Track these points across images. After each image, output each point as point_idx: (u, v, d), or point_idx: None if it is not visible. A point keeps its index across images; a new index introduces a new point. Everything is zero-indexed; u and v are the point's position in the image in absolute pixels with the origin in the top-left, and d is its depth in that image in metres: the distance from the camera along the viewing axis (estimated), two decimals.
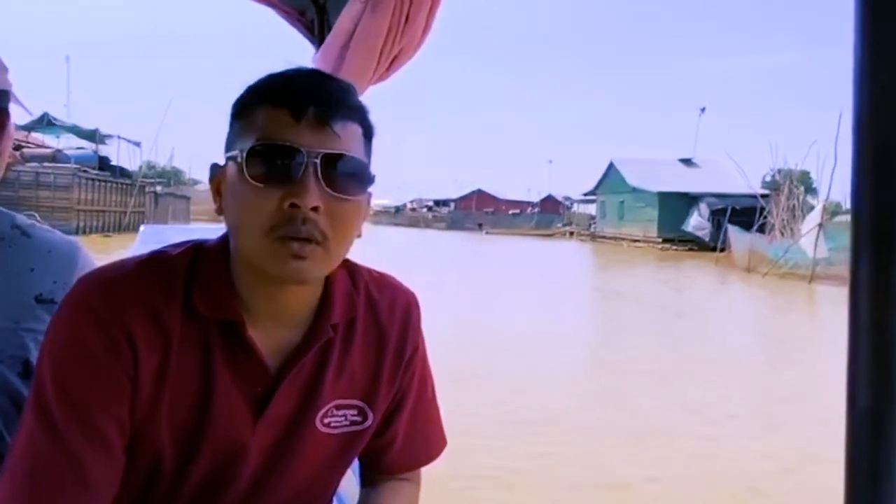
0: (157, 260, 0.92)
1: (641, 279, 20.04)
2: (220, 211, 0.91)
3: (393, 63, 1.90)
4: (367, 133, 0.91)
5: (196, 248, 0.94)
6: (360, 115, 0.90)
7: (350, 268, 1.01)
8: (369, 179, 0.90)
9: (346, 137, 0.86)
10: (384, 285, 1.05)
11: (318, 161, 0.83)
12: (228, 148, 0.89)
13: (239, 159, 0.85)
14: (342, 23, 1.85)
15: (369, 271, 1.05)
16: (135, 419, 0.87)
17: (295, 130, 0.84)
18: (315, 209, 0.83)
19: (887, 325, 0.57)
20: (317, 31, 2.27)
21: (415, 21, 1.80)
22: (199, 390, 0.89)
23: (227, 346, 0.90)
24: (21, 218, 1.20)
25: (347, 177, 0.86)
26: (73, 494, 0.83)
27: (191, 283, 0.90)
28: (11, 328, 1.11)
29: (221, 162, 0.91)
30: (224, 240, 0.93)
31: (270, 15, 2.34)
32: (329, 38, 1.97)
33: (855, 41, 0.58)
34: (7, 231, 1.16)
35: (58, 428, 0.83)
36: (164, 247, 0.95)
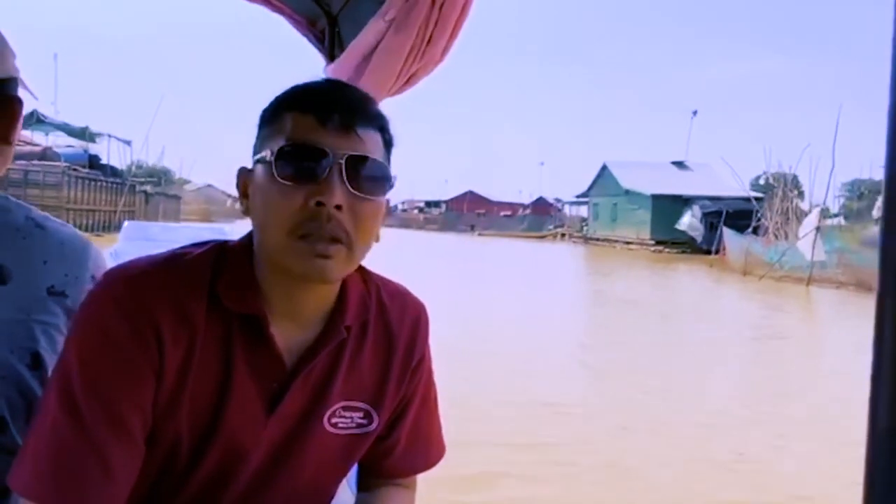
0: (181, 256, 0.95)
1: (648, 286, 19.82)
2: (246, 212, 0.95)
3: (410, 80, 1.95)
4: (388, 142, 0.96)
5: (220, 246, 0.97)
6: (381, 124, 0.94)
7: (363, 272, 1.04)
8: (390, 181, 0.94)
9: (368, 142, 0.91)
10: (395, 293, 1.08)
11: (343, 162, 0.87)
12: (257, 152, 0.93)
13: (268, 159, 0.88)
14: (364, 38, 1.91)
15: (381, 278, 1.08)
16: (156, 410, 0.90)
17: (321, 133, 0.88)
18: (338, 208, 0.87)
19: None
20: (327, 41, 2.32)
21: (437, 42, 1.85)
22: (219, 383, 0.92)
23: (247, 341, 0.93)
24: (36, 211, 1.21)
25: (370, 178, 0.90)
26: (95, 482, 0.85)
27: (215, 278, 0.93)
28: (23, 319, 1.12)
29: (247, 166, 0.95)
30: (247, 238, 0.97)
31: (274, 19, 2.33)
32: (347, 52, 2.02)
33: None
34: (22, 223, 1.17)
35: (83, 417, 0.85)
36: (187, 245, 0.98)
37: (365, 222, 0.90)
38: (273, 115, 0.92)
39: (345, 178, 0.87)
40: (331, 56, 2.25)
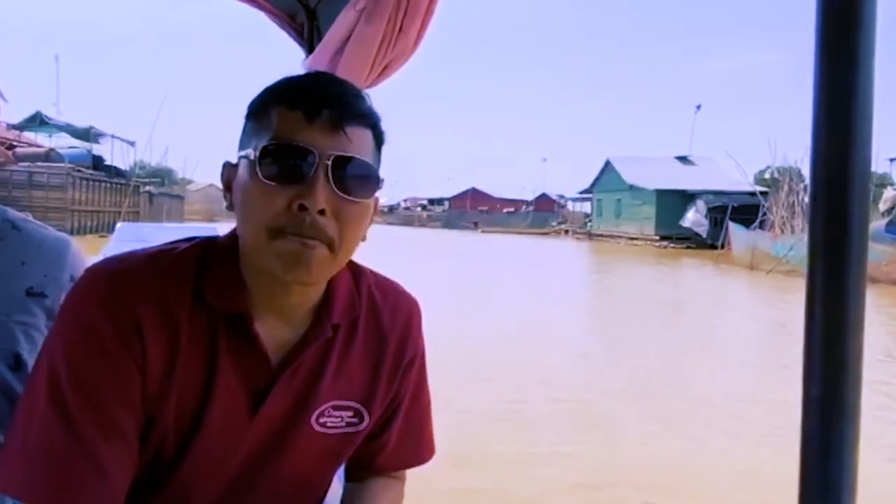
0: (166, 253, 0.93)
1: (662, 283, 19.36)
2: (230, 207, 0.92)
3: (384, 70, 1.96)
4: (378, 140, 0.93)
5: (206, 243, 0.95)
6: (371, 122, 0.91)
7: (354, 270, 1.02)
8: (378, 183, 0.90)
9: (357, 141, 0.87)
10: (388, 290, 1.06)
11: (329, 163, 0.84)
12: (242, 147, 0.90)
13: (252, 157, 0.85)
14: (336, 30, 1.90)
15: (374, 275, 1.06)
16: (145, 406, 0.88)
17: (308, 132, 0.85)
18: (322, 212, 0.84)
19: (839, 327, 0.65)
20: (307, 35, 2.32)
21: (408, 31, 1.85)
22: (203, 382, 0.90)
23: (232, 339, 0.91)
24: (12, 212, 1.20)
25: (356, 179, 0.87)
26: (90, 484, 0.84)
27: (201, 275, 0.91)
28: (3, 321, 1.11)
29: (233, 160, 0.92)
30: (233, 235, 0.94)
31: (261, 17, 2.33)
32: (322, 44, 2.02)
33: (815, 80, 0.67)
34: None
35: (73, 419, 0.84)
36: (173, 241, 0.96)
37: (350, 225, 0.87)
38: (260, 109, 0.89)
39: (331, 179, 0.84)
40: (310, 50, 2.22)
